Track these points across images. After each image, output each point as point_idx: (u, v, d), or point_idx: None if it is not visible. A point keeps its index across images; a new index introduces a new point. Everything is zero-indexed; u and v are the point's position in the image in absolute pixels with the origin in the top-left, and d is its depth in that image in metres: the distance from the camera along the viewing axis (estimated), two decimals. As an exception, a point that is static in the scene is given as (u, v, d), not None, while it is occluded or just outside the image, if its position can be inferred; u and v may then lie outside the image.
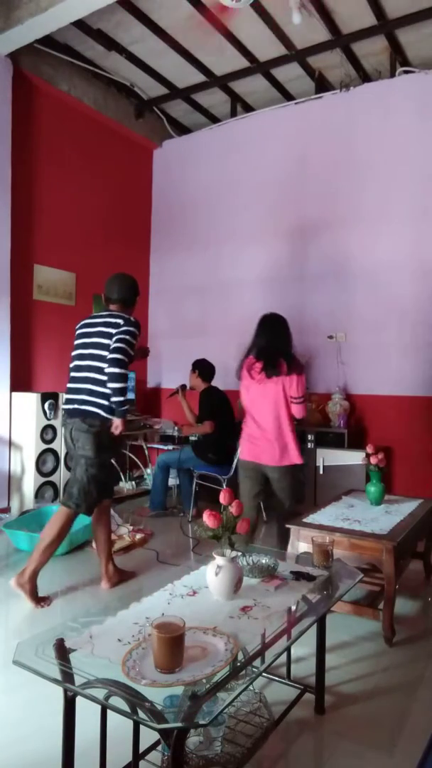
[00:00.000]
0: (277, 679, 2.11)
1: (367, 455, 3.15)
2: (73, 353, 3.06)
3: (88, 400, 2.90)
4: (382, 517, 2.86)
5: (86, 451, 2.90)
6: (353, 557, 2.53)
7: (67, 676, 1.32)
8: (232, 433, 4.22)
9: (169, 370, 5.99)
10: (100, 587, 3.10)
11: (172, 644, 1.28)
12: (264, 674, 2.04)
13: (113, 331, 2.90)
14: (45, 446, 4.45)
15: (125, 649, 1.37)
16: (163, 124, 5.97)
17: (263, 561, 1.96)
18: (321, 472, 4.57)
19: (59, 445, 4.57)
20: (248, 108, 5.68)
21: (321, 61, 4.88)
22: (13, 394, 4.50)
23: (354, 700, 2.06)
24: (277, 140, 5.36)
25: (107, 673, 1.28)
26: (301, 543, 2.67)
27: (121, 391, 2.82)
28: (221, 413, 4.39)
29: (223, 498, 1.79)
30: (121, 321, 2.93)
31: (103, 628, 1.50)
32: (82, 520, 3.83)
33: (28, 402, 4.43)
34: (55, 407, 4.50)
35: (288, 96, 5.41)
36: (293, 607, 1.72)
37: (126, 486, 5.29)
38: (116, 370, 2.81)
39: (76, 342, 3.07)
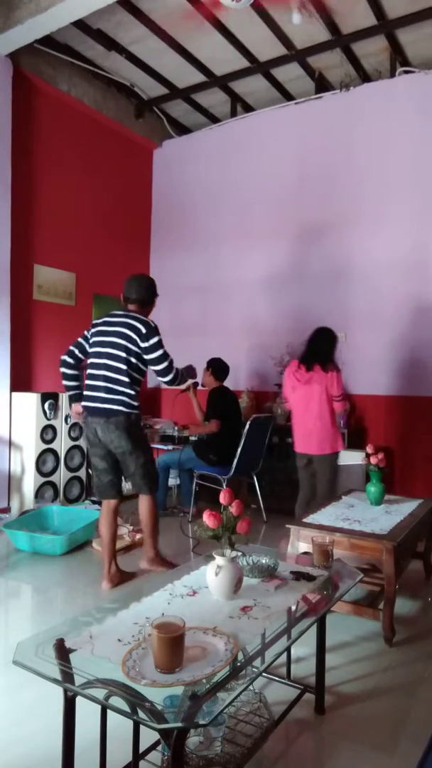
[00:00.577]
0: (277, 679, 2.11)
1: (367, 455, 3.15)
2: (90, 350, 3.14)
3: (107, 398, 3.02)
4: (382, 517, 2.86)
5: (124, 447, 3.06)
6: (353, 557, 2.53)
7: (67, 676, 1.31)
8: (236, 436, 4.22)
9: (169, 370, 5.98)
10: (100, 587, 3.10)
11: (172, 644, 1.28)
12: (264, 674, 2.04)
13: (134, 335, 3.02)
14: (45, 446, 4.45)
15: (125, 649, 1.37)
16: (163, 124, 5.97)
17: (263, 561, 1.96)
18: (321, 472, 4.56)
19: (59, 445, 4.57)
20: (248, 108, 5.69)
21: (321, 61, 4.88)
22: (13, 394, 4.50)
23: (354, 700, 2.06)
24: (277, 140, 5.36)
25: (107, 673, 1.28)
26: (301, 543, 2.67)
27: (175, 380, 3.19)
28: (228, 414, 4.38)
29: (223, 498, 1.78)
30: (142, 328, 3.04)
31: (103, 628, 1.50)
32: (83, 520, 3.85)
33: (28, 402, 4.43)
34: (55, 407, 4.50)
35: (288, 96, 5.41)
36: (293, 607, 1.72)
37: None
38: (170, 377, 3.13)
39: (93, 339, 3.14)
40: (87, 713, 1.43)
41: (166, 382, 3.18)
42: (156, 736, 1.54)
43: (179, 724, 1.16)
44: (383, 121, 4.79)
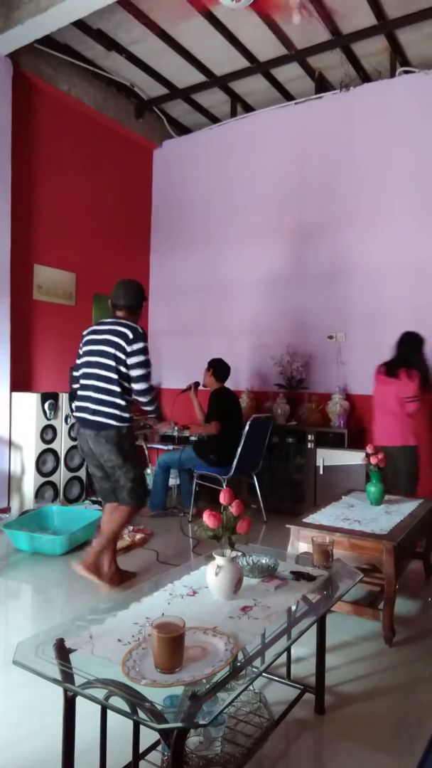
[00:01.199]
0: (277, 679, 2.11)
1: (367, 455, 3.15)
2: (80, 360, 3.10)
3: (98, 410, 2.97)
4: (382, 517, 2.86)
5: (114, 461, 3.03)
6: (353, 557, 2.53)
7: (67, 676, 1.31)
8: (237, 436, 4.22)
9: (168, 370, 5.99)
10: (100, 587, 3.09)
11: (172, 644, 1.28)
12: (264, 674, 2.04)
13: (121, 342, 2.96)
14: (45, 446, 4.45)
15: (125, 649, 1.37)
16: (163, 124, 5.97)
17: (263, 561, 1.96)
18: (321, 472, 4.57)
19: (59, 445, 4.57)
20: (248, 108, 5.68)
21: (321, 61, 4.88)
22: (13, 394, 4.50)
23: (354, 700, 2.06)
24: (277, 140, 5.36)
25: (107, 673, 1.28)
26: (301, 543, 2.67)
27: (154, 401, 3.11)
28: (229, 415, 4.38)
29: (223, 498, 1.78)
30: (129, 334, 2.98)
31: (103, 628, 1.50)
32: (83, 521, 3.85)
33: (28, 402, 4.43)
34: (55, 407, 4.50)
35: (288, 96, 5.41)
36: (293, 607, 1.72)
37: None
38: (144, 386, 3.01)
39: (84, 349, 3.10)
40: (87, 713, 1.43)
41: (139, 391, 3.02)
42: (156, 736, 1.54)
43: (179, 724, 1.16)
44: (383, 121, 4.79)
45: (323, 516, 2.89)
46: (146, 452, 5.63)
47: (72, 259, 5.14)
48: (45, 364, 4.89)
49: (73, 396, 3.23)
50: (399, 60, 4.76)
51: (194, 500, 4.57)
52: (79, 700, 1.35)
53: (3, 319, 4.42)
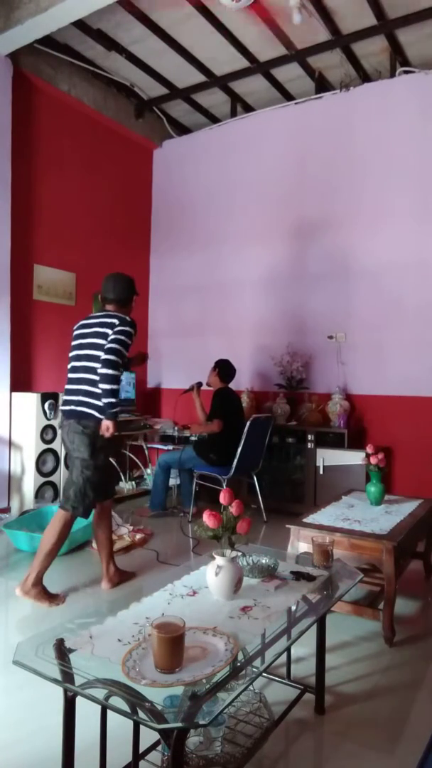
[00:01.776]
0: (277, 679, 2.11)
1: (367, 455, 3.15)
2: (70, 354, 3.06)
3: (84, 401, 2.90)
4: (382, 517, 2.86)
5: (81, 453, 2.90)
6: (353, 557, 2.53)
7: (67, 676, 1.32)
8: (237, 436, 4.22)
9: (168, 370, 5.99)
10: (100, 587, 3.10)
11: (172, 644, 1.28)
12: (264, 674, 2.04)
13: (108, 331, 2.89)
14: (45, 446, 4.45)
15: (125, 649, 1.37)
16: (163, 124, 5.97)
17: (263, 561, 1.96)
18: (321, 472, 4.57)
19: (59, 445, 4.57)
20: (248, 108, 5.68)
21: (321, 61, 4.88)
22: (13, 394, 4.50)
23: (354, 700, 2.06)
24: (277, 140, 5.36)
25: (107, 673, 1.28)
26: (301, 543, 2.67)
27: (112, 393, 2.80)
28: (231, 415, 4.39)
29: (223, 498, 1.78)
30: (116, 321, 2.91)
31: (103, 628, 1.50)
32: (82, 521, 3.84)
33: (28, 402, 4.43)
34: (55, 407, 4.50)
35: (288, 96, 5.41)
36: (293, 607, 1.72)
37: (126, 486, 5.28)
38: (108, 371, 2.79)
39: (73, 343, 3.07)
40: (87, 713, 1.43)
41: (101, 376, 2.79)
42: (156, 736, 1.54)
43: (179, 724, 1.16)
44: (383, 121, 4.79)
45: (323, 516, 2.89)
46: (146, 452, 5.63)
47: (72, 259, 5.14)
48: (45, 364, 4.89)
49: None
50: (399, 60, 4.76)
51: (194, 500, 4.57)
52: (79, 700, 1.35)
53: (3, 319, 4.42)
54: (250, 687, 1.70)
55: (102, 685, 1.25)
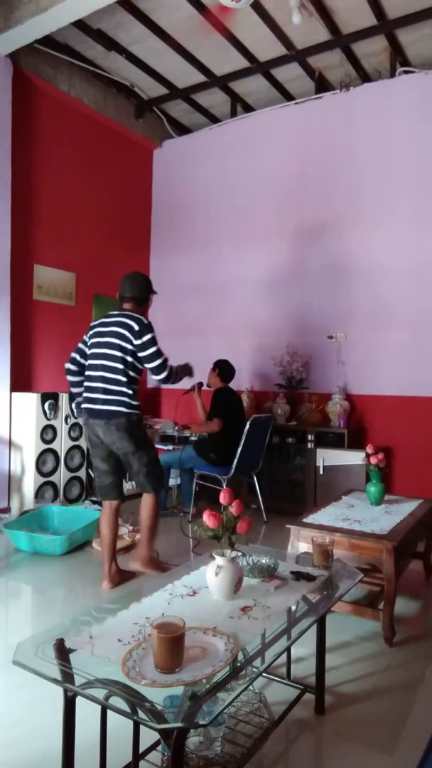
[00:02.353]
0: (277, 679, 2.11)
1: (367, 455, 3.15)
2: (89, 352, 3.15)
3: (107, 399, 3.02)
4: (382, 517, 2.86)
5: (127, 448, 3.06)
6: (353, 557, 2.53)
7: (67, 676, 1.31)
8: (237, 436, 4.22)
9: (169, 370, 5.98)
10: (100, 587, 3.09)
11: (172, 644, 1.28)
12: (264, 674, 2.04)
13: (127, 333, 3.01)
14: (45, 446, 4.45)
15: (125, 649, 1.37)
16: (163, 124, 5.97)
17: (263, 561, 1.96)
18: (321, 472, 4.57)
19: (59, 445, 4.57)
20: (248, 108, 5.68)
21: (321, 61, 4.88)
22: (13, 394, 4.50)
23: (354, 700, 2.06)
24: (277, 140, 5.36)
25: (107, 673, 1.28)
26: (301, 543, 2.67)
27: (174, 380, 3.18)
28: (231, 414, 4.39)
29: (223, 498, 1.78)
30: (135, 326, 3.03)
31: (103, 628, 1.50)
32: (83, 521, 3.85)
33: (28, 402, 4.43)
34: (55, 407, 4.50)
35: (288, 96, 5.41)
36: (293, 607, 1.72)
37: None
38: (163, 375, 3.08)
39: (91, 341, 3.14)
40: (87, 713, 1.43)
41: (160, 380, 3.12)
42: (156, 736, 1.54)
43: (179, 724, 1.16)
44: (383, 121, 4.79)
45: (323, 516, 2.89)
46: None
47: (72, 259, 5.14)
48: (45, 364, 4.89)
49: (73, 390, 3.28)
50: (399, 60, 4.76)
51: (194, 500, 4.57)
52: (79, 700, 1.35)
53: (3, 319, 4.42)
54: (250, 687, 1.69)
55: (102, 685, 1.25)
